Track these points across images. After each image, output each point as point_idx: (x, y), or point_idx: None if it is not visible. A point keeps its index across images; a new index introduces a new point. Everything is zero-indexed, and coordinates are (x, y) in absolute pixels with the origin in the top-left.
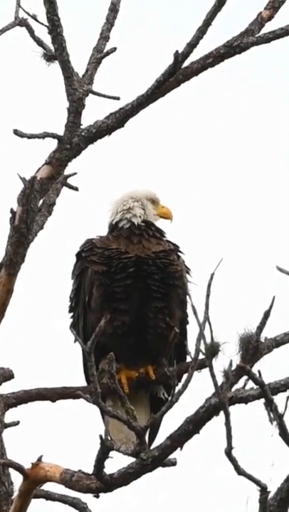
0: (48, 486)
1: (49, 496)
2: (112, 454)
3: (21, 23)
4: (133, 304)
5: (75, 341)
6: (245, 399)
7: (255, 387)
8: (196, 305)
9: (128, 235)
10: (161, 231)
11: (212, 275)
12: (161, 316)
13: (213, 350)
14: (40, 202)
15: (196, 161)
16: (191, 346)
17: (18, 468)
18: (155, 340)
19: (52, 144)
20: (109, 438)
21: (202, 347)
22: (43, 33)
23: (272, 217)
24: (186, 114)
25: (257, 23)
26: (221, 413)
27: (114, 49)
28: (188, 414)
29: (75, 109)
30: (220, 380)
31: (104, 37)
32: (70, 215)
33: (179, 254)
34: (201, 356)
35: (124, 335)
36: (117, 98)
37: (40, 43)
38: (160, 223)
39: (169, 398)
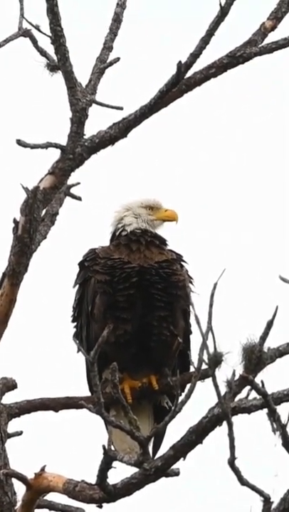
0: (51, 496)
1: (52, 506)
2: (115, 464)
3: (25, 33)
4: (136, 313)
5: (78, 351)
6: (248, 409)
7: (258, 397)
8: (199, 315)
9: (126, 242)
10: (161, 238)
11: (215, 285)
12: (164, 325)
13: (216, 360)
14: (43, 212)
15: (199, 170)
16: (194, 356)
17: (21, 478)
18: (158, 349)
19: (55, 154)
20: (112, 448)
21: (205, 357)
22: (46, 44)
23: (275, 227)
24: (189, 123)
25: (260, 33)
26: (224, 423)
27: (117, 59)
28: (191, 424)
29: (78, 119)
30: (223, 390)
31: (108, 47)
32: (73, 225)
33: (182, 263)
34: (204, 366)
35: (127, 344)
36: (120, 108)
37: (43, 53)
38: (165, 229)
39: (172, 408)
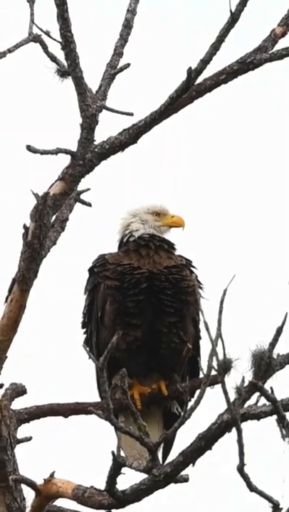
0: (61, 502)
1: None
2: (124, 470)
3: (35, 39)
4: (146, 319)
5: (89, 358)
6: (258, 415)
7: (268, 403)
8: (208, 321)
9: (135, 247)
10: (170, 243)
11: (225, 291)
12: (174, 331)
13: (225, 366)
14: (53, 218)
15: (208, 177)
16: (203, 362)
17: (31, 484)
18: (168, 355)
19: (65, 160)
20: (121, 454)
21: (214, 363)
22: (56, 49)
23: (284, 234)
24: (199, 129)
25: (270, 39)
26: (233, 430)
27: (127, 65)
28: (200, 430)
29: (88, 125)
30: (232, 396)
31: (118, 53)
32: (83, 230)
33: (192, 269)
34: (213, 372)
35: (137, 350)
36: (131, 114)
37: (53, 58)
38: (171, 234)
39: (182, 414)
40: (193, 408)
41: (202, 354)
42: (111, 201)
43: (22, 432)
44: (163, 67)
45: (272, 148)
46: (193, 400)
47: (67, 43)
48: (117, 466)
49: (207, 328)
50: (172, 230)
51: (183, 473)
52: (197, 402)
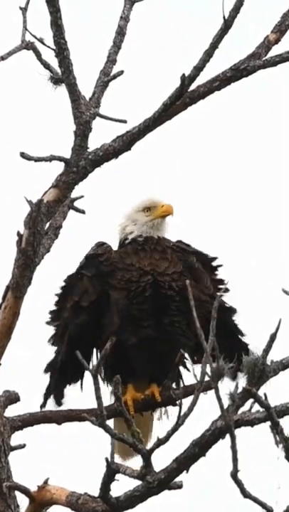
0: (55, 509)
1: None
2: (118, 476)
3: (28, 46)
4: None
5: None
6: (251, 422)
7: (261, 410)
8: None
9: (132, 250)
10: (165, 243)
11: (218, 298)
12: (178, 326)
13: (219, 372)
14: (47, 225)
15: (203, 183)
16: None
17: (24, 491)
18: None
19: (59, 167)
20: (115, 461)
21: (208, 370)
22: (49, 56)
23: (278, 240)
24: (193, 136)
25: (264, 46)
26: (227, 436)
27: (121, 72)
28: (194, 436)
29: (82, 132)
30: (226, 402)
31: (112, 60)
32: (76, 238)
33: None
34: (207, 379)
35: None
36: (124, 121)
37: (47, 66)
38: (168, 225)
39: (175, 421)
40: (186, 414)
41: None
42: (104, 208)
43: (15, 439)
44: (156, 75)
45: (266, 155)
46: (186, 407)
47: (61, 50)
48: (110, 473)
49: (200, 335)
50: (167, 219)
51: (177, 479)
52: (190, 409)
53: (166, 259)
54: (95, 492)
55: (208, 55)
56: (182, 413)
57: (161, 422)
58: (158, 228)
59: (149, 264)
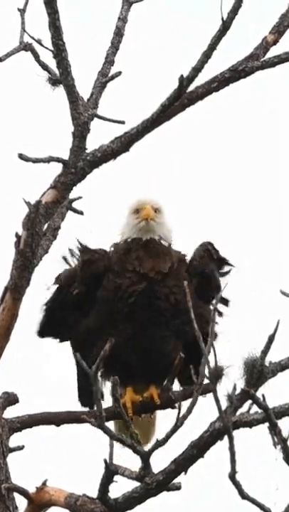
0: (53, 511)
1: None
2: (116, 478)
3: (26, 47)
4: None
5: (81, 366)
6: (250, 423)
7: (260, 411)
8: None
9: (123, 252)
10: (155, 246)
11: (217, 299)
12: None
13: (217, 374)
14: (45, 226)
15: (201, 183)
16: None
17: (23, 492)
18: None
19: (57, 168)
20: (114, 462)
21: (206, 371)
22: (48, 57)
23: (276, 241)
24: (191, 137)
25: (262, 47)
26: (225, 437)
27: (119, 73)
28: (192, 438)
29: (80, 133)
30: (224, 404)
31: (109, 61)
32: (75, 239)
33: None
34: (205, 381)
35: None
36: (122, 122)
37: (45, 67)
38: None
39: (174, 423)
40: (185, 416)
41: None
42: (103, 209)
43: (14, 440)
44: (155, 75)
45: (265, 156)
46: (185, 408)
47: (59, 51)
48: (109, 474)
49: (199, 337)
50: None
51: (175, 481)
52: (189, 411)
53: (160, 261)
54: (94, 493)
55: (207, 56)
56: (181, 415)
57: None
58: (146, 230)
59: (135, 265)
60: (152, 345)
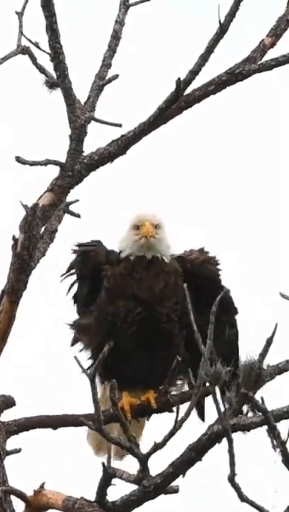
0: None
1: None
2: (114, 481)
3: (24, 50)
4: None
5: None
6: (248, 426)
7: (258, 414)
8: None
9: (125, 271)
10: (155, 264)
11: (216, 303)
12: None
13: (216, 377)
14: (43, 229)
15: (198, 186)
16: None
17: (20, 495)
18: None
19: (54, 171)
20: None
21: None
22: (45, 60)
23: (274, 244)
24: (188, 140)
25: (259, 50)
26: (224, 440)
27: (116, 76)
28: (190, 441)
29: (77, 136)
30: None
31: (106, 64)
32: (72, 242)
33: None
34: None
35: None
36: (119, 125)
37: (42, 70)
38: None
39: (172, 425)
40: (183, 419)
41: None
42: (100, 212)
43: (11, 443)
44: (152, 78)
45: (261, 158)
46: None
47: (56, 54)
48: (107, 477)
49: (198, 340)
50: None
51: (173, 483)
52: (187, 414)
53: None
54: (92, 496)
55: (204, 59)
56: (179, 418)
57: None
58: (146, 248)
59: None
60: (154, 362)
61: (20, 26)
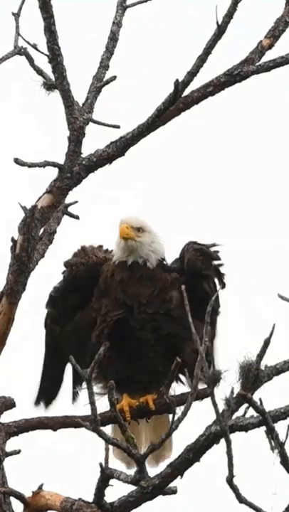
0: None
1: None
2: (112, 482)
3: (21, 52)
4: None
5: (77, 370)
6: (246, 427)
7: (256, 415)
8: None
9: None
10: (143, 269)
11: (212, 303)
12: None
13: (214, 378)
14: (41, 230)
15: (196, 187)
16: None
17: (19, 496)
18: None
19: (53, 173)
20: (110, 466)
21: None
22: (42, 62)
23: (272, 244)
24: (187, 141)
25: (257, 51)
26: (222, 441)
27: (114, 77)
28: (188, 441)
29: (76, 137)
30: (221, 407)
31: (104, 66)
32: (70, 243)
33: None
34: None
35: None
36: (118, 127)
37: (40, 72)
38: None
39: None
40: (180, 419)
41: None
42: (98, 214)
43: (11, 445)
44: (150, 80)
45: (261, 159)
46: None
47: (55, 56)
48: (105, 478)
49: (196, 341)
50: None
51: (171, 484)
52: (184, 414)
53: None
54: (90, 497)
55: (202, 60)
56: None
57: None
58: (126, 250)
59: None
60: (138, 363)
61: (17, 27)
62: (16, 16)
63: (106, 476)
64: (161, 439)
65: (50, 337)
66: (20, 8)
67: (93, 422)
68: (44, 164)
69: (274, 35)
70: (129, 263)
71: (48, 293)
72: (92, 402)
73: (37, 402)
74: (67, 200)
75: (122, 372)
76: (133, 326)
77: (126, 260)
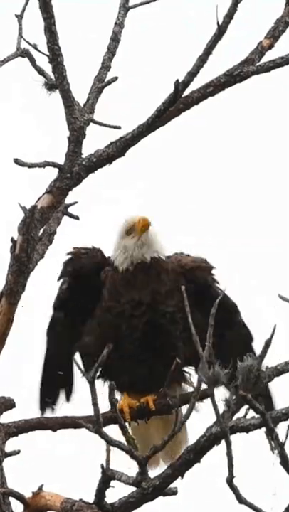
0: None
1: None
2: (113, 483)
3: (23, 53)
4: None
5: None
6: (246, 428)
7: (256, 416)
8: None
9: (123, 282)
10: (155, 267)
11: (215, 305)
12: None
13: (215, 379)
14: (41, 231)
15: (196, 188)
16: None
17: (19, 497)
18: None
19: (52, 173)
20: (110, 467)
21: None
22: (44, 62)
23: (273, 245)
24: (187, 142)
25: (257, 52)
26: (222, 442)
27: (115, 78)
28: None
29: (76, 138)
30: (221, 409)
31: (106, 66)
32: (70, 244)
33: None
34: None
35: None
36: (118, 127)
37: (41, 72)
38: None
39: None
40: (183, 422)
41: None
42: (98, 214)
43: (10, 445)
44: (150, 80)
45: (261, 159)
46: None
47: (55, 56)
48: (105, 479)
49: (196, 342)
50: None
51: (172, 485)
52: (187, 416)
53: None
54: (90, 498)
55: (202, 60)
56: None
57: None
58: (149, 245)
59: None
60: (155, 365)
61: (20, 29)
62: (19, 17)
63: (107, 477)
64: (164, 440)
65: (55, 338)
66: (23, 10)
67: (96, 424)
68: (44, 164)
69: (274, 35)
70: (148, 260)
71: (47, 293)
72: (94, 404)
73: (42, 408)
74: (67, 200)
75: (124, 372)
76: (160, 321)
77: (143, 260)
